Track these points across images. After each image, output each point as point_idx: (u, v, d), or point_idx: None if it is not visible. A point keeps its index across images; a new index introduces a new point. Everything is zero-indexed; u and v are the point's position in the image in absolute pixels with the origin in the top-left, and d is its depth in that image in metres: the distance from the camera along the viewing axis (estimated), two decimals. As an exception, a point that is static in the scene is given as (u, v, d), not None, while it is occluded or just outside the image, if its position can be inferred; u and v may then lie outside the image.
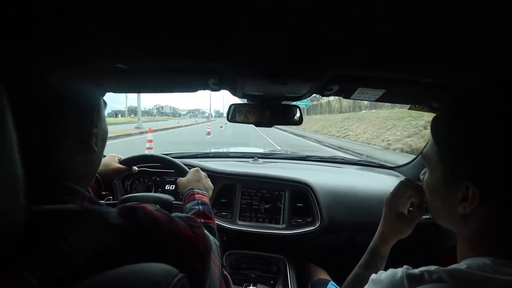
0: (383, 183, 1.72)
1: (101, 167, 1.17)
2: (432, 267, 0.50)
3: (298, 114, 1.29)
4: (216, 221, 1.47)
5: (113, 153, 1.30)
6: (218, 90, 1.12)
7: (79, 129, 0.52)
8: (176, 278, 0.41)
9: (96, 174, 1.10)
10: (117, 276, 0.38)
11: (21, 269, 0.36)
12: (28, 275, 0.36)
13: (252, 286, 1.20)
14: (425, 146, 1.53)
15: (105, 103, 0.61)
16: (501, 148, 0.48)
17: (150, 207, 0.51)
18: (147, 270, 0.40)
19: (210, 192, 1.14)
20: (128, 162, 1.29)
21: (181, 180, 1.13)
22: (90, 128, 0.54)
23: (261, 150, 2.50)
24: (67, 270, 0.38)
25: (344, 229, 1.56)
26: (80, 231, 0.41)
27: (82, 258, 0.39)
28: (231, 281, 0.82)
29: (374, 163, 2.12)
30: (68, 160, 0.50)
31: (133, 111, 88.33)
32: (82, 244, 0.40)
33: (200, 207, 0.93)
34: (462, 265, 0.51)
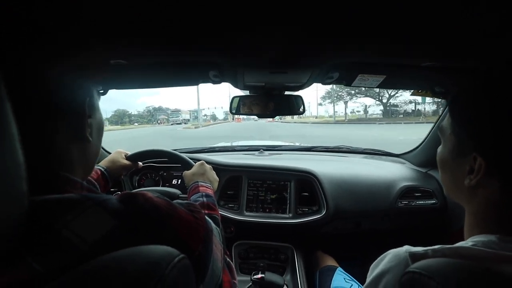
0: (388, 170, 1.72)
1: (108, 164, 1.19)
2: (436, 246, 0.51)
3: (301, 104, 1.30)
4: (223, 213, 1.51)
5: (120, 149, 1.32)
6: (219, 82, 1.13)
7: (72, 120, 0.53)
8: (176, 258, 0.42)
9: (104, 171, 1.14)
10: (118, 258, 0.39)
11: (25, 256, 0.37)
12: (33, 261, 0.37)
13: (261, 273, 1.22)
14: (434, 125, 1.54)
15: (98, 94, 0.62)
16: (510, 124, 0.49)
17: (150, 194, 0.53)
18: (147, 251, 0.41)
19: (215, 185, 1.15)
20: (135, 157, 1.31)
21: (186, 173, 1.15)
22: (83, 119, 0.55)
23: (266, 143, 2.51)
24: (71, 255, 0.39)
25: (350, 217, 1.57)
26: (80, 218, 0.42)
27: (85, 244, 0.40)
28: (234, 268, 0.84)
29: (379, 151, 2.11)
30: (63, 151, 0.52)
31: (120, 115, 77.67)
32: (84, 231, 0.41)
33: (204, 199, 0.95)
34: (467, 242, 0.51)
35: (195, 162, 1.23)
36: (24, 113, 0.44)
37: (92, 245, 0.41)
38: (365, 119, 37.08)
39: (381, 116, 37.17)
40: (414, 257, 0.50)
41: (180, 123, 50.45)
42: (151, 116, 76.63)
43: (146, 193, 0.52)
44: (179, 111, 59.71)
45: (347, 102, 39.95)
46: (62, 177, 0.50)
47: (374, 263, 0.59)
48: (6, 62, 0.43)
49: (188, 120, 59.03)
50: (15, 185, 0.33)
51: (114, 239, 0.43)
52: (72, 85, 0.53)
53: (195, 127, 32.08)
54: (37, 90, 0.47)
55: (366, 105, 42.32)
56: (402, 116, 35.36)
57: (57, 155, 0.51)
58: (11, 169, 0.33)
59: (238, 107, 1.32)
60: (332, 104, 42.69)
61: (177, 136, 16.96)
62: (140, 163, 1.36)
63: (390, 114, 36.50)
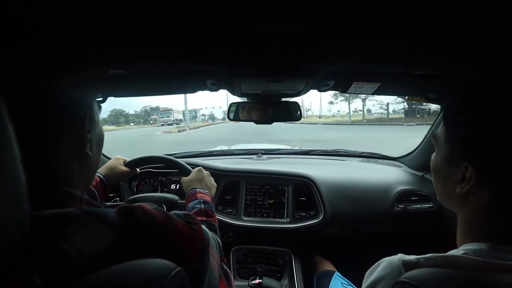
0: (385, 174, 1.73)
1: (107, 171, 1.20)
2: (429, 254, 0.52)
3: (298, 110, 1.31)
4: (221, 218, 1.52)
5: (118, 156, 1.32)
6: (216, 90, 1.14)
7: (72, 137, 0.54)
8: (173, 272, 0.43)
9: (103, 178, 1.14)
10: (115, 273, 0.40)
11: (26, 270, 0.38)
12: (33, 275, 0.38)
13: (258, 279, 1.23)
14: (430, 129, 1.55)
15: (99, 107, 0.63)
16: (502, 135, 0.50)
17: (148, 206, 0.53)
18: (144, 265, 0.42)
19: (213, 191, 1.16)
20: (133, 164, 1.32)
21: (184, 179, 1.16)
22: (83, 135, 0.56)
23: (265, 146, 2.52)
24: (71, 269, 0.40)
25: (348, 221, 1.58)
26: (80, 232, 0.43)
27: (85, 258, 0.41)
28: (231, 276, 0.84)
29: (376, 154, 2.13)
30: (63, 166, 0.53)
31: (117, 115, 73.99)
32: (84, 245, 0.42)
33: (202, 205, 0.95)
34: (459, 251, 0.52)
35: (193, 168, 1.24)
36: (24, 129, 0.44)
37: (91, 259, 0.42)
38: (386, 119, 31.04)
39: (403, 116, 31.05)
40: (407, 265, 0.51)
41: (171, 124, 45.75)
42: (148, 116, 72.54)
43: (144, 206, 0.53)
44: (170, 110, 52.54)
45: (365, 99, 32.79)
46: (62, 191, 0.51)
47: (369, 270, 0.60)
48: (7, 80, 0.44)
49: (181, 120, 50.69)
50: (17, 204, 0.34)
51: (113, 253, 0.44)
52: (71, 102, 0.54)
53: (179, 131, 24.24)
54: (38, 107, 0.48)
55: (388, 103, 33.97)
56: (427, 115, 28.35)
57: (57, 170, 0.52)
58: (12, 188, 0.34)
59: (237, 113, 1.33)
60: (347, 103, 36.34)
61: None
62: (138, 169, 1.37)
63: (416, 113, 30.18)
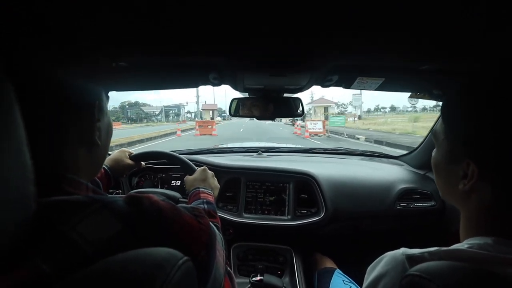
0: (386, 173, 1.73)
1: (111, 163, 1.19)
2: (433, 248, 0.51)
3: (300, 107, 1.30)
4: (222, 215, 1.51)
5: (124, 148, 1.30)
6: (219, 84, 1.13)
7: (81, 124, 0.54)
8: (180, 261, 0.43)
9: (107, 170, 1.13)
10: (122, 260, 0.40)
11: (34, 257, 0.38)
12: (40, 262, 0.38)
13: (259, 276, 1.22)
14: (432, 127, 1.55)
15: (107, 97, 0.63)
16: (502, 130, 0.49)
17: (156, 197, 0.53)
18: (152, 253, 0.42)
19: (216, 192, 1.15)
20: (139, 157, 1.30)
21: (188, 178, 1.15)
22: (92, 123, 0.56)
23: (265, 144, 2.51)
24: (78, 257, 0.40)
25: (349, 218, 1.57)
26: (87, 220, 0.43)
27: (91, 246, 0.41)
28: (234, 277, 0.84)
29: (377, 153, 2.12)
30: (71, 154, 0.52)
31: None
32: (90, 233, 0.42)
33: (205, 206, 0.94)
34: (463, 245, 0.51)
35: (194, 164, 1.23)
36: (34, 116, 0.45)
37: (97, 247, 0.41)
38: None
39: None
40: (411, 260, 0.51)
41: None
42: (122, 113, 67.54)
43: (152, 196, 0.52)
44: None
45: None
46: (69, 179, 0.50)
47: (370, 266, 0.59)
48: (19, 67, 0.44)
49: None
50: (22, 187, 0.34)
51: (120, 242, 0.44)
52: (82, 89, 0.54)
53: None
54: (49, 94, 0.48)
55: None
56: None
57: (65, 157, 0.52)
58: (18, 171, 0.33)
59: (237, 109, 1.32)
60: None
61: None
62: (143, 163, 1.35)
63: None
